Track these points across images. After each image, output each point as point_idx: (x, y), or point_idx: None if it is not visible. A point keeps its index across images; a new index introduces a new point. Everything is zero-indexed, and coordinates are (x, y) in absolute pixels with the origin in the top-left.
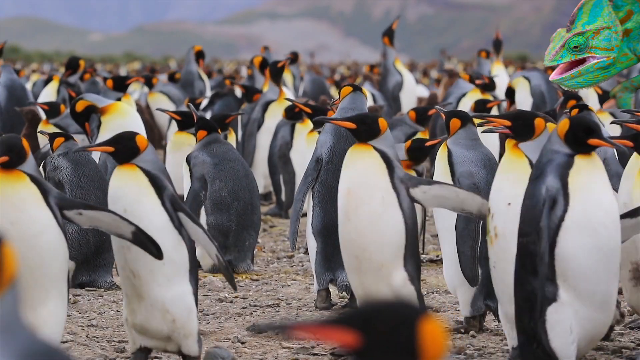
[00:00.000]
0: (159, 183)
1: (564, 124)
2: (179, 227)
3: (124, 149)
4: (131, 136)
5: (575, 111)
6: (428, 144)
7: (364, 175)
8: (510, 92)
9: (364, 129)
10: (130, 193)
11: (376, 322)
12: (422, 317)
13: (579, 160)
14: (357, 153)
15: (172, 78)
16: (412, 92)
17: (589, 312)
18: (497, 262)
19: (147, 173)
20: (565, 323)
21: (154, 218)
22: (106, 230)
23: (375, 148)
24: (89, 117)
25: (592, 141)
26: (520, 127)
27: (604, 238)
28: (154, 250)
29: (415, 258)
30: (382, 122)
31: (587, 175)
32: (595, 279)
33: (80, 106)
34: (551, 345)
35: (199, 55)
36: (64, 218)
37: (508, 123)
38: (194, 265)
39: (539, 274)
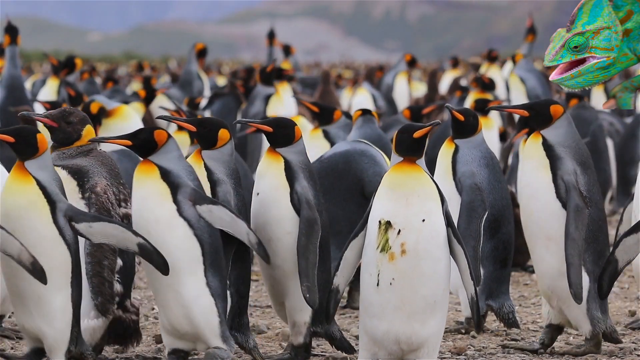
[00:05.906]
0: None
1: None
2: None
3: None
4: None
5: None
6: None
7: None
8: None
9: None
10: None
11: None
12: None
13: None
14: (14, 182)
15: (174, 79)
16: (404, 93)
17: None
18: (397, 279)
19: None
20: None
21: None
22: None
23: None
24: (100, 120)
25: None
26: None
27: None
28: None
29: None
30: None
31: None
32: None
33: (94, 108)
34: None
35: (201, 54)
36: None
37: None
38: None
39: None
